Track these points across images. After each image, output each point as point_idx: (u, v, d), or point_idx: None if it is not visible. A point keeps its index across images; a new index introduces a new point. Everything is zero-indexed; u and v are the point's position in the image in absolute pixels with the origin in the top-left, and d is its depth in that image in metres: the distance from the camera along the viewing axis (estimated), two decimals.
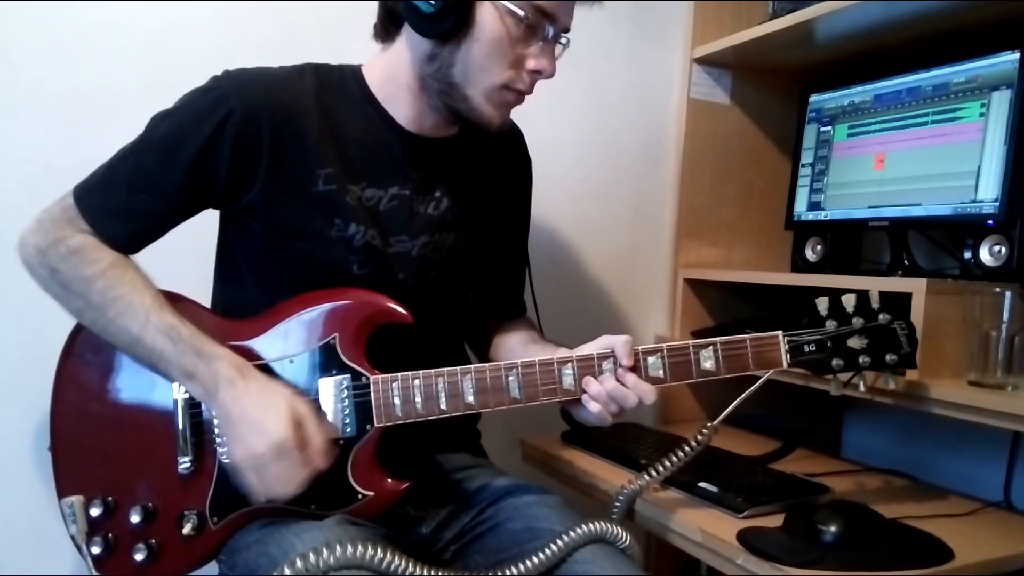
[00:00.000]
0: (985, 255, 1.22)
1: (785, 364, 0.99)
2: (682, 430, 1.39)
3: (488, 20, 0.94)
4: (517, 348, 1.17)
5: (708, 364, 0.98)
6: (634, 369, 0.97)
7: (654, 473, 1.06)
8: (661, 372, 0.97)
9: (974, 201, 1.24)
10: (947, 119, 1.30)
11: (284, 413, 0.89)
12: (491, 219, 1.14)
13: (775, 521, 1.03)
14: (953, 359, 1.13)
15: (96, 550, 0.95)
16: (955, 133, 1.28)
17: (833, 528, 0.96)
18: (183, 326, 0.92)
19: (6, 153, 1.20)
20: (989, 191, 1.22)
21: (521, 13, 0.93)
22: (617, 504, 1.08)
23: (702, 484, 1.12)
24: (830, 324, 1.00)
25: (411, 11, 0.94)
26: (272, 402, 0.90)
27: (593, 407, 0.97)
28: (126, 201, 0.96)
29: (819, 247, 1.52)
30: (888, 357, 0.99)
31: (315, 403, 0.95)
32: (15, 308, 1.21)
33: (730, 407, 1.04)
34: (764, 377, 1.03)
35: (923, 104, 1.34)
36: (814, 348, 0.99)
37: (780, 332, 1.00)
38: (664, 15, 1.68)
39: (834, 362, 0.99)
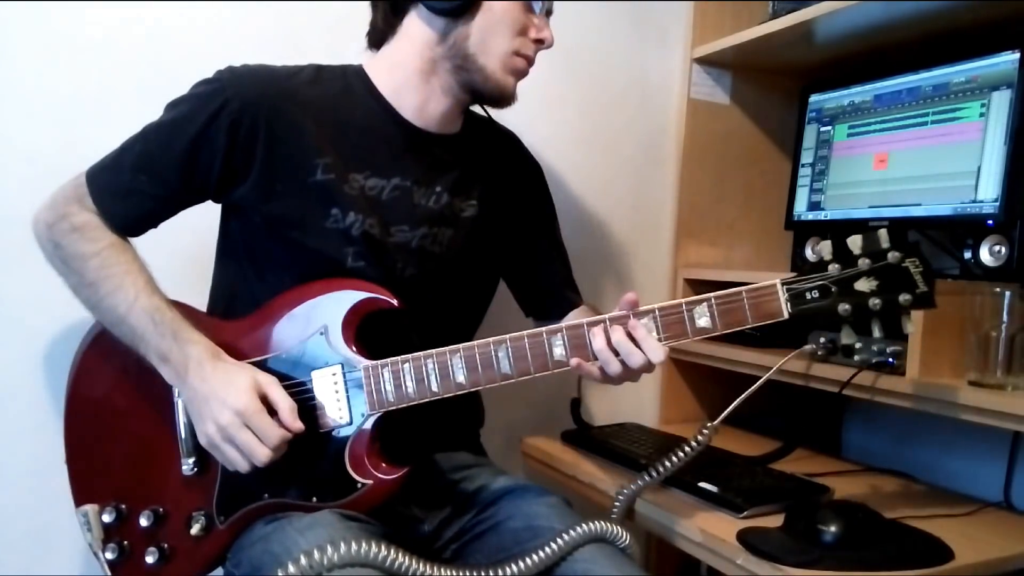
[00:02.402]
0: (985, 255, 1.22)
1: (786, 314, 0.91)
2: (682, 430, 1.39)
3: None
4: None
5: (703, 321, 0.92)
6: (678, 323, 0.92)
7: (654, 473, 1.05)
8: (655, 333, 0.93)
9: (974, 201, 1.24)
10: (947, 119, 1.30)
11: (244, 384, 0.92)
12: (496, 220, 1.14)
13: (775, 521, 1.03)
14: (953, 359, 1.13)
15: (110, 556, 0.97)
16: (955, 133, 1.28)
17: (833, 528, 0.96)
18: (168, 310, 0.95)
19: (6, 153, 1.20)
20: (989, 191, 1.22)
21: None
22: (617, 504, 1.08)
23: (702, 484, 1.12)
24: (833, 268, 0.91)
25: None
26: (234, 377, 0.93)
27: (590, 367, 0.93)
28: (129, 182, 0.99)
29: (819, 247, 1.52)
30: (902, 297, 0.89)
31: (310, 396, 0.96)
32: (15, 308, 1.21)
33: (730, 407, 1.04)
34: (764, 377, 1.03)
35: (923, 104, 1.34)
36: (817, 295, 0.91)
37: (778, 279, 0.92)
38: (664, 15, 1.67)
39: (840, 308, 0.90)
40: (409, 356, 0.96)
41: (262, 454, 0.90)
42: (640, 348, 0.91)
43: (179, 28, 1.29)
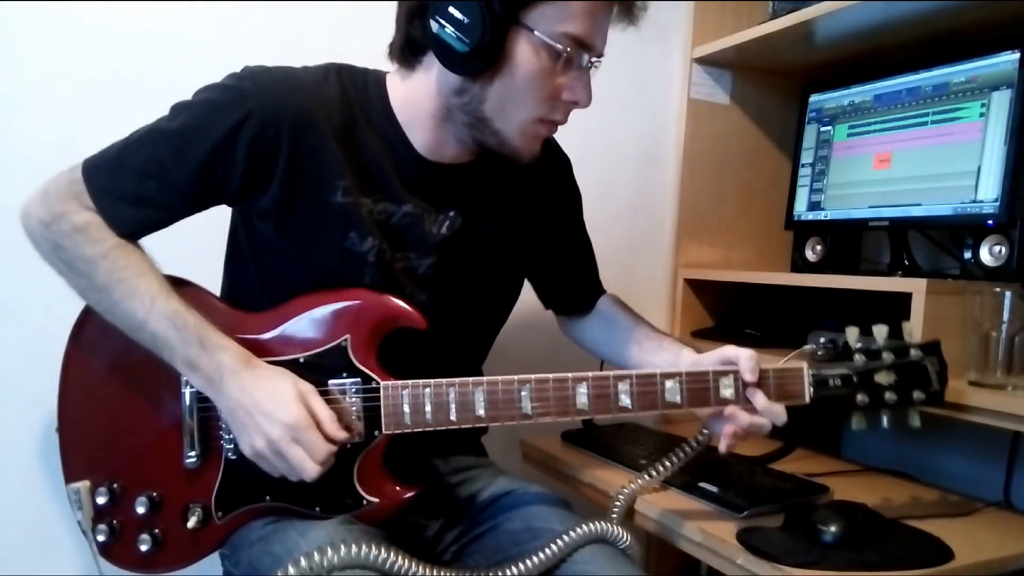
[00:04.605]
0: (985, 255, 1.22)
1: (808, 399, 0.96)
2: (682, 430, 1.39)
3: (524, 55, 0.89)
4: (633, 346, 1.12)
5: (727, 392, 0.95)
6: (702, 392, 0.95)
7: (654, 473, 1.06)
8: (678, 398, 0.94)
9: (974, 201, 1.24)
10: (947, 119, 1.30)
11: (292, 396, 0.88)
12: (519, 230, 1.11)
13: (775, 521, 1.03)
14: (953, 359, 1.12)
15: (101, 538, 0.95)
16: (955, 133, 1.28)
17: (833, 528, 0.96)
18: (188, 314, 0.91)
19: (6, 152, 1.20)
20: (989, 191, 1.22)
21: (559, 47, 0.89)
22: (617, 504, 1.08)
23: (702, 484, 1.12)
24: (858, 358, 0.96)
25: (443, 48, 0.89)
26: (278, 387, 0.89)
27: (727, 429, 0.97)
28: (135, 187, 0.93)
29: (819, 247, 1.52)
30: (915, 394, 0.96)
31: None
32: (17, 307, 1.21)
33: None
34: None
35: (923, 104, 1.34)
36: (839, 383, 0.96)
37: (804, 365, 0.96)
38: (664, 15, 1.67)
39: (858, 397, 0.96)
40: (431, 381, 0.94)
41: (311, 470, 0.88)
42: (765, 416, 0.96)
43: (180, 27, 1.29)
